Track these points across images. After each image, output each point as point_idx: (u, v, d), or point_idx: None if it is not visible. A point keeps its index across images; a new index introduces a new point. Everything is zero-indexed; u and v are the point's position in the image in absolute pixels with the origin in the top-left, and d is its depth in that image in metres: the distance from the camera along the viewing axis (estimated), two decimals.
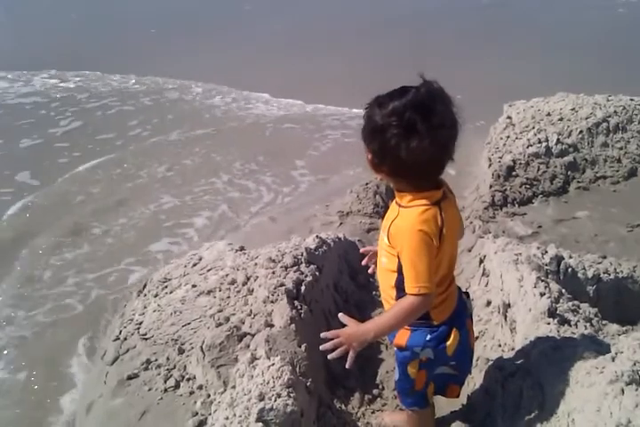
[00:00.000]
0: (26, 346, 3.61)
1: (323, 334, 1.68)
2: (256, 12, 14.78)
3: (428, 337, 1.79)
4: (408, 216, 1.64)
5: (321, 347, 1.68)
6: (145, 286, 3.19)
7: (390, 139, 1.54)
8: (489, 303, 2.87)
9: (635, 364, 1.78)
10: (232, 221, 4.99)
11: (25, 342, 3.65)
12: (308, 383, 2.27)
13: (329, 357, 1.67)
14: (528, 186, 4.47)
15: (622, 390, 1.71)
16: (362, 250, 2.14)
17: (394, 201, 1.74)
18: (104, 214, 5.21)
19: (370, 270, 2.07)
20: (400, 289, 1.72)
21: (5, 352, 3.58)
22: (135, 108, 8.58)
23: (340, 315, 1.75)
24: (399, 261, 1.68)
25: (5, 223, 5.13)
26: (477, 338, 2.73)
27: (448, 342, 1.80)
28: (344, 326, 1.72)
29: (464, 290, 2.05)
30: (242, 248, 3.33)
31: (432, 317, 1.78)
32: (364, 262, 2.09)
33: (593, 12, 12.66)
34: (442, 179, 1.74)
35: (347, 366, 1.68)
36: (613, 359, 1.87)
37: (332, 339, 1.66)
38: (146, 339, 2.65)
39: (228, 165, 6.24)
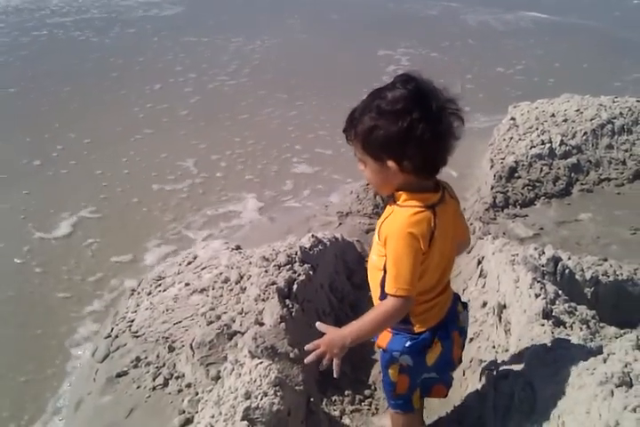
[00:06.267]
0: None
1: (306, 347, 1.64)
2: None
3: (408, 343, 1.74)
4: (400, 216, 1.59)
5: (305, 360, 1.64)
6: (139, 285, 3.18)
7: (411, 122, 1.48)
8: (485, 304, 2.83)
9: (626, 365, 1.74)
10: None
11: None
12: (297, 382, 2.25)
13: (320, 368, 1.62)
14: (530, 187, 4.41)
15: (612, 392, 1.67)
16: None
17: (391, 202, 1.69)
18: None
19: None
20: (384, 288, 1.66)
21: None
22: None
23: (318, 324, 1.71)
24: (386, 260, 1.64)
25: None
26: (472, 340, 2.69)
27: (428, 353, 1.76)
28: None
29: (460, 293, 1.99)
30: (238, 247, 3.32)
31: (413, 323, 1.74)
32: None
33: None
34: (445, 183, 1.70)
35: (334, 376, 1.62)
36: (605, 361, 1.83)
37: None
38: (137, 337, 2.64)
39: None
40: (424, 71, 1.57)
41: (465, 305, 1.96)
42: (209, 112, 7.26)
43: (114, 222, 4.87)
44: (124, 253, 4.44)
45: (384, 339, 1.79)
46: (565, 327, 2.37)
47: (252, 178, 5.67)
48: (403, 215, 1.59)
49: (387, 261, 1.62)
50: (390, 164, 1.56)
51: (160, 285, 3.05)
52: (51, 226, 4.79)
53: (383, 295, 1.66)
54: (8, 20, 11.85)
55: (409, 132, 1.49)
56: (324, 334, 1.66)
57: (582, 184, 4.49)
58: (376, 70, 8.27)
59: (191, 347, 2.40)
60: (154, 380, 2.40)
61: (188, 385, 2.34)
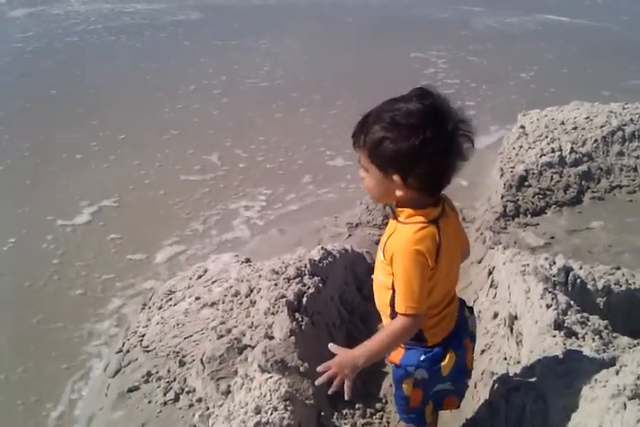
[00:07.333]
0: None
1: (318, 369, 1.62)
2: None
3: (422, 357, 1.73)
4: (404, 233, 1.57)
5: (316, 382, 1.62)
6: (150, 299, 3.20)
7: (423, 140, 1.45)
8: (496, 315, 2.81)
9: (638, 378, 1.73)
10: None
11: None
12: (307, 396, 2.24)
13: (329, 392, 1.61)
14: (541, 196, 4.38)
15: (624, 405, 1.65)
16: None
17: (393, 217, 1.66)
18: None
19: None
20: (394, 307, 1.64)
21: None
22: None
23: (330, 345, 1.66)
24: (393, 278, 1.61)
25: None
26: (483, 351, 2.68)
27: (443, 364, 1.74)
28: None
29: (471, 304, 1.97)
30: (247, 260, 3.33)
31: (426, 338, 1.72)
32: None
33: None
34: (443, 195, 1.67)
35: (345, 398, 1.60)
36: (617, 373, 1.81)
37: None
38: (148, 351, 2.65)
39: None
40: (471, 77, 1.57)
41: (471, 309, 1.94)
42: (240, 112, 7.45)
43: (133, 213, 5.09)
44: (139, 249, 4.58)
45: (397, 355, 1.77)
46: (577, 338, 2.35)
47: (274, 168, 5.91)
48: (407, 232, 1.56)
49: (394, 280, 1.60)
50: (395, 178, 1.53)
51: (171, 299, 3.06)
52: (73, 214, 5.05)
53: (394, 314, 1.64)
54: (33, 28, 12.11)
55: (420, 149, 1.47)
56: (335, 354, 1.63)
57: (593, 192, 4.46)
58: (414, 72, 8.35)
59: (202, 361, 2.40)
60: (165, 395, 2.40)
61: (199, 400, 2.34)
